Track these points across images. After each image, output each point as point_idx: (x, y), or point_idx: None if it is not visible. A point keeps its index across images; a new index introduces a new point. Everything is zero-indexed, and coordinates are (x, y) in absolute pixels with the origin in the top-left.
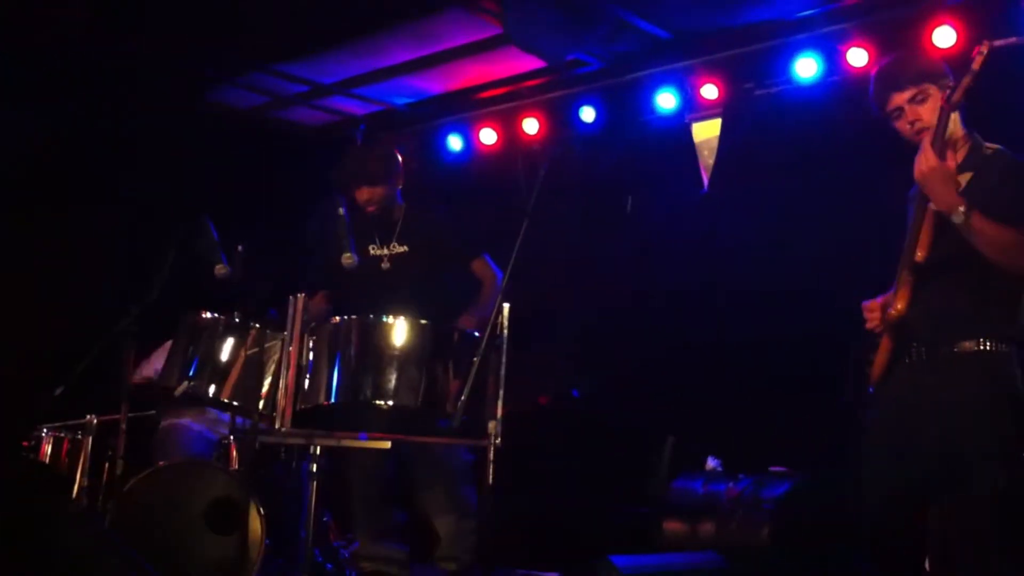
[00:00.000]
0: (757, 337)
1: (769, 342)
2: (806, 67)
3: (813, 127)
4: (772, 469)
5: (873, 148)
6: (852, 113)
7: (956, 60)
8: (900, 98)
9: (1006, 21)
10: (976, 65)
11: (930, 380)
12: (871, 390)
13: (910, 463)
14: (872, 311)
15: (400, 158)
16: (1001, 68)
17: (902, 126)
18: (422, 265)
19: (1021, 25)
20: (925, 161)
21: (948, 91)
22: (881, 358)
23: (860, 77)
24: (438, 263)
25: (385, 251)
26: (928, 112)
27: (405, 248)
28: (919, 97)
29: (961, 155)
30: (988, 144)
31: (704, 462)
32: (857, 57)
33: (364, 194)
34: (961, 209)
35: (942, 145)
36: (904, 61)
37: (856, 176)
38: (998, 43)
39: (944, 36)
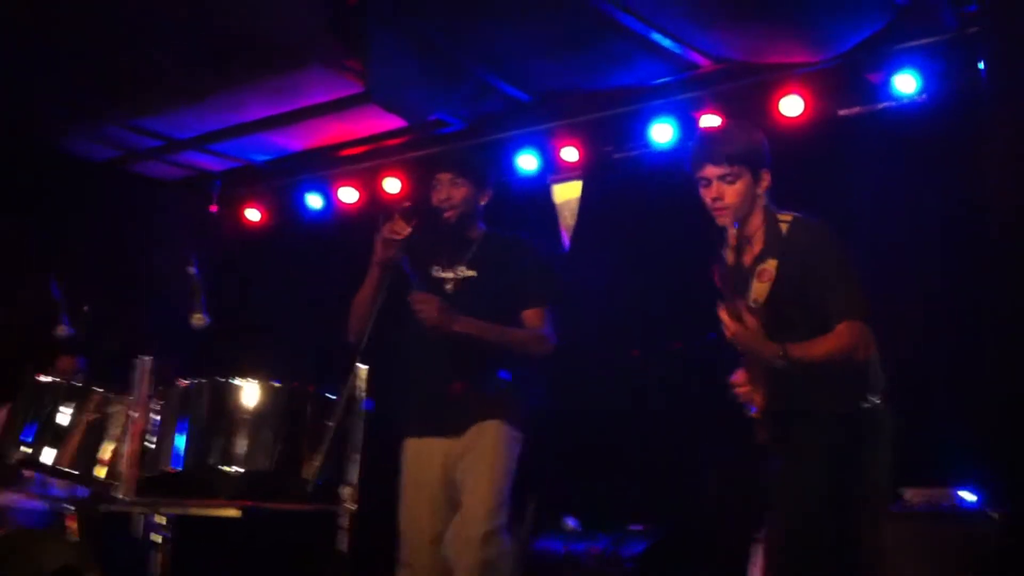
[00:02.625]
0: (617, 395)
1: (630, 399)
2: (662, 132)
3: (670, 190)
4: (631, 527)
5: None
6: None
7: (803, 128)
8: (712, 171)
9: (850, 91)
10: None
11: (824, 438)
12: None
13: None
14: (743, 387)
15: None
16: (846, 135)
17: (705, 195)
18: (490, 293)
19: (865, 94)
20: (728, 329)
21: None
22: (763, 433)
23: None
24: (503, 293)
25: (451, 274)
26: (732, 195)
27: (473, 273)
28: (729, 177)
29: (759, 242)
30: (781, 216)
31: (562, 521)
32: (710, 123)
33: (443, 188)
34: (780, 356)
35: (738, 301)
36: (730, 135)
37: (710, 239)
38: (843, 112)
39: (791, 105)
